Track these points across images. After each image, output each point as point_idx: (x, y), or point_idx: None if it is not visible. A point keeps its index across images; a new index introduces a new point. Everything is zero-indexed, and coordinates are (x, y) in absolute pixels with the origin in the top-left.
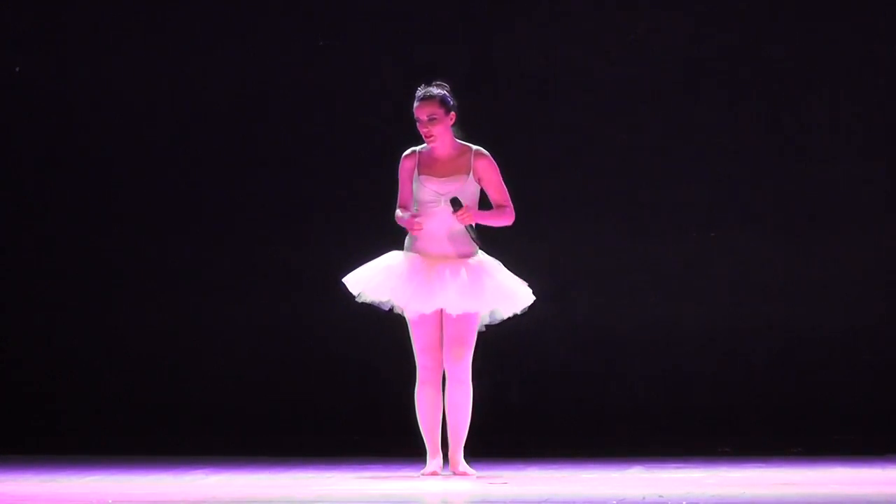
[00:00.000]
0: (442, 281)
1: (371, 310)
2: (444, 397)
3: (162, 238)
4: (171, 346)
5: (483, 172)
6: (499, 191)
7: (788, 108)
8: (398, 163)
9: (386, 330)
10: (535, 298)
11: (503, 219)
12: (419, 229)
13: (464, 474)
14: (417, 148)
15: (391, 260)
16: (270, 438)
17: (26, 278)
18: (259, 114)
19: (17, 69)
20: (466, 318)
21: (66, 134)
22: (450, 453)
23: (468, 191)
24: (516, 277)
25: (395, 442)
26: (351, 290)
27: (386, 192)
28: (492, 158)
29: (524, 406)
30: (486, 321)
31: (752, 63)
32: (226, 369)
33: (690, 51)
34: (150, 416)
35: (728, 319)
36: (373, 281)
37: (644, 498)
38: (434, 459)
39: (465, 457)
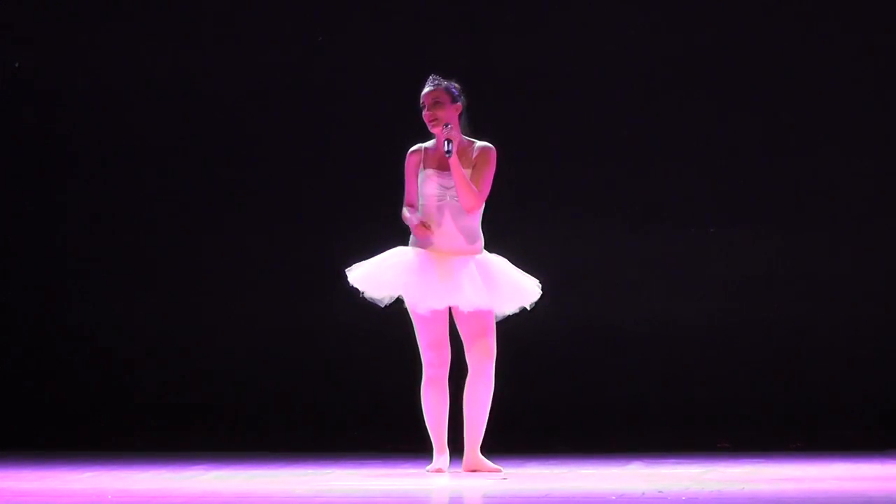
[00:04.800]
0: (454, 277)
1: (370, 306)
2: (465, 391)
3: (162, 236)
4: (169, 342)
5: (477, 159)
6: (479, 176)
7: (787, 105)
8: (404, 160)
9: (385, 325)
10: (541, 293)
11: (470, 192)
12: (429, 236)
13: (492, 470)
14: (424, 144)
15: (400, 256)
16: (269, 434)
17: (26, 275)
18: (265, 111)
19: (17, 64)
20: (482, 311)
21: (67, 131)
22: (466, 450)
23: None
24: (523, 272)
25: (395, 438)
26: (356, 286)
27: (388, 189)
28: (494, 154)
29: (523, 403)
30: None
31: (750, 60)
32: (225, 365)
33: (689, 48)
34: (148, 411)
35: (727, 315)
36: (381, 277)
37: (643, 493)
38: (441, 456)
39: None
